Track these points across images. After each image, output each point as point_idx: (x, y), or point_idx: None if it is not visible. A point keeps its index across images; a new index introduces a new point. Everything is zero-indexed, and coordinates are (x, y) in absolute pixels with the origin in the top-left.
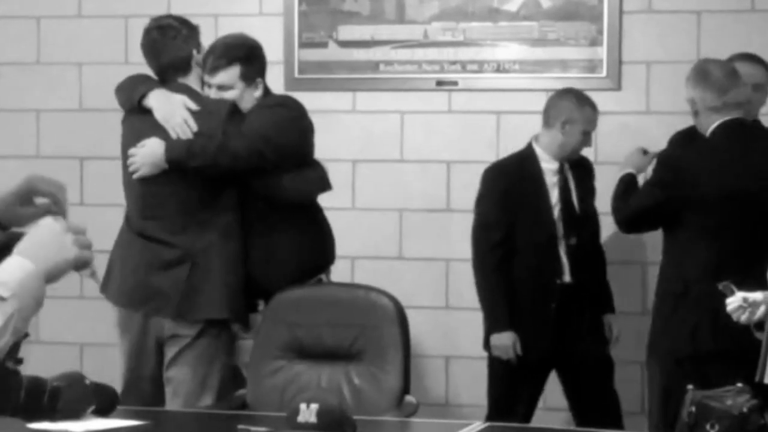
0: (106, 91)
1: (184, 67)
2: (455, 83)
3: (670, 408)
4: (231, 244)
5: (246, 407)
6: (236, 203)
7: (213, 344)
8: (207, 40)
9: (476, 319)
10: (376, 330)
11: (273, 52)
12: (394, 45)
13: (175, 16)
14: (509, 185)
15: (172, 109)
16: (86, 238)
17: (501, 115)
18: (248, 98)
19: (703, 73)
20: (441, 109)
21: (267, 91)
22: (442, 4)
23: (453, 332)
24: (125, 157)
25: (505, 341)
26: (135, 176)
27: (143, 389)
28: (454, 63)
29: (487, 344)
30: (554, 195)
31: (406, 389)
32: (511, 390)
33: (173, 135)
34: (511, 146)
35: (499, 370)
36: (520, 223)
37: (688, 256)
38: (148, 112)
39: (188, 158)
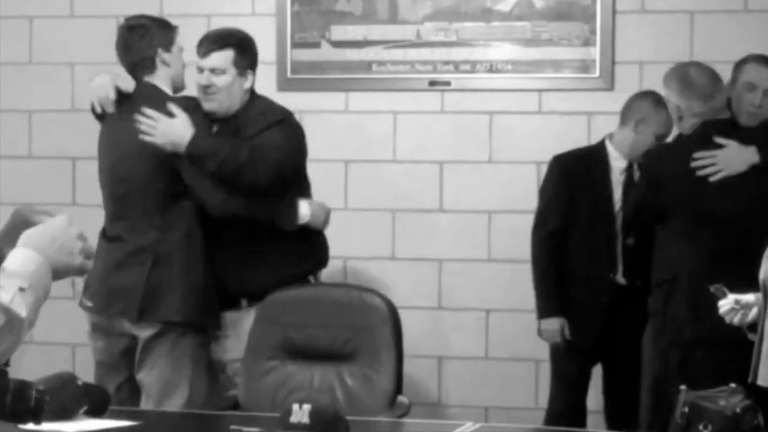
0: None
1: (149, 66)
2: (448, 83)
3: (660, 397)
4: (193, 246)
5: (238, 407)
6: (200, 205)
7: (178, 345)
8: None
9: (469, 320)
10: (368, 331)
11: (265, 52)
12: (387, 45)
13: (149, 16)
14: (570, 176)
15: (102, 79)
16: (90, 246)
17: (494, 115)
18: (238, 87)
19: (686, 81)
20: (434, 110)
21: (253, 92)
22: (434, 4)
23: (445, 333)
24: (101, 158)
25: (552, 326)
26: (146, 138)
27: (111, 390)
28: (446, 63)
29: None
30: (618, 192)
31: (398, 390)
32: (565, 372)
33: (95, 101)
34: (504, 146)
35: (555, 353)
36: (580, 215)
37: (676, 248)
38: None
39: (207, 160)
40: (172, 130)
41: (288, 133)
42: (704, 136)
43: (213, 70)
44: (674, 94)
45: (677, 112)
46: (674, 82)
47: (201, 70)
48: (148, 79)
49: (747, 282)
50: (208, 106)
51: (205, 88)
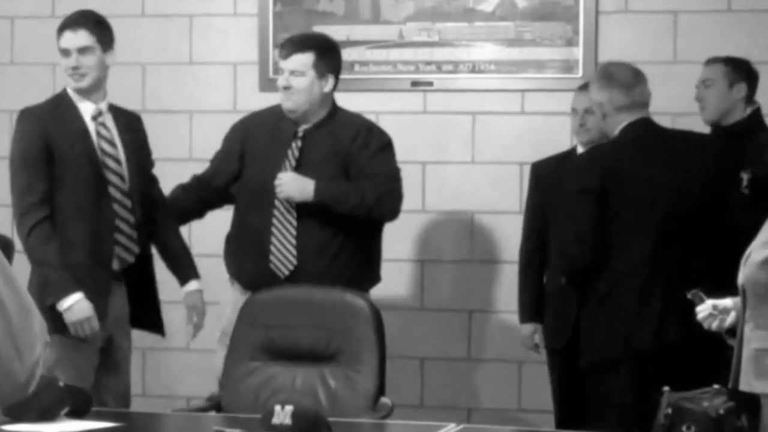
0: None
1: None
2: (430, 84)
3: (638, 398)
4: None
5: (221, 409)
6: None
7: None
8: (182, 40)
9: (451, 321)
10: (351, 332)
11: (247, 52)
12: (369, 45)
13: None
14: (541, 181)
15: None
16: None
17: (476, 116)
18: (317, 90)
19: (607, 74)
20: (416, 110)
21: (334, 102)
22: (417, 4)
23: (428, 334)
24: None
25: (525, 332)
26: (281, 196)
27: None
28: (429, 63)
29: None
30: None
31: (381, 391)
32: (553, 374)
33: None
34: (487, 147)
35: (549, 359)
36: (551, 218)
37: (613, 255)
38: None
39: (336, 206)
40: (293, 182)
41: (394, 156)
42: (641, 135)
43: (292, 72)
44: (596, 90)
45: (600, 109)
46: (595, 81)
47: (282, 71)
48: None
49: (690, 279)
50: (286, 105)
51: (285, 89)
